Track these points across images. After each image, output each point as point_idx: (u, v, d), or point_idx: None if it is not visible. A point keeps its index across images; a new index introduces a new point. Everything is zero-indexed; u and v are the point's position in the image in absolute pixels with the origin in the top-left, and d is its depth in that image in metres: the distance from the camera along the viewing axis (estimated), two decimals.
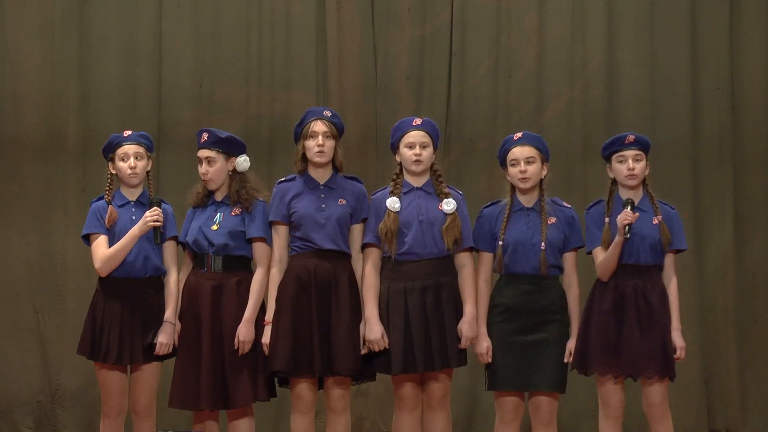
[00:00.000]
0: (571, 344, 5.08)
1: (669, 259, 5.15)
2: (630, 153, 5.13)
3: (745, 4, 7.26)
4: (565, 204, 5.23)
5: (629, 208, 5.03)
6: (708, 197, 7.15)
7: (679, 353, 5.10)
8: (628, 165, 5.12)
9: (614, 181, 5.18)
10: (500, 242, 5.11)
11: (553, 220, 5.13)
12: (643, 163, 5.15)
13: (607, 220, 5.11)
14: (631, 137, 5.15)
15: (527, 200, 5.16)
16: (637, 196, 5.15)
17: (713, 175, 7.20)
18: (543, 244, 5.06)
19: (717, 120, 7.22)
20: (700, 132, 7.22)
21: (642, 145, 5.15)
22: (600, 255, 5.11)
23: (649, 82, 7.23)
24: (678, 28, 7.25)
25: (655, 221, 5.12)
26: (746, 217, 7.22)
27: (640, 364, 5.03)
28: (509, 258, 5.10)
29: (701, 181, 7.20)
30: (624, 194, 5.14)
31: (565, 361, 5.08)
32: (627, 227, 5.00)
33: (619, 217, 5.03)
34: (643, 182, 5.18)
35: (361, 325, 5.08)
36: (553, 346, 5.06)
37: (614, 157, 5.16)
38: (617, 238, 5.02)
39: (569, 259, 5.15)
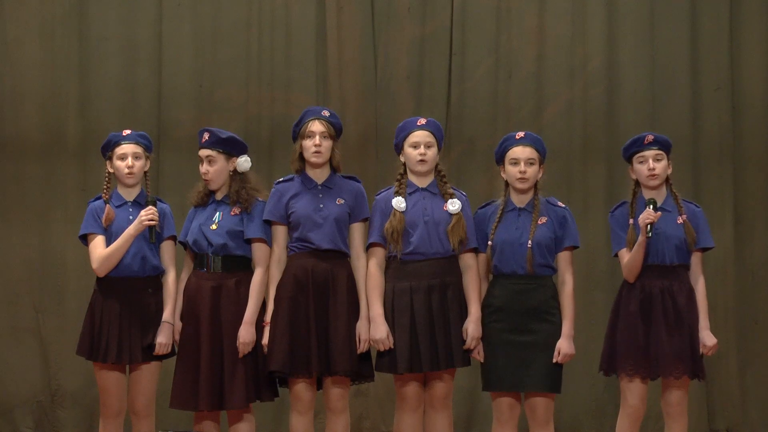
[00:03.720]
0: (560, 344, 5.04)
1: (695, 258, 5.17)
2: (650, 153, 5.13)
3: (745, 4, 7.25)
4: (560, 204, 5.21)
5: (651, 207, 5.03)
6: (708, 197, 7.13)
7: (710, 351, 5.09)
8: (649, 165, 5.12)
9: (637, 183, 5.18)
10: (489, 243, 5.11)
11: (543, 219, 5.10)
12: (664, 163, 5.15)
13: (631, 221, 5.11)
14: (650, 137, 5.15)
15: (521, 200, 5.15)
16: (660, 196, 5.15)
17: (713, 175, 7.19)
18: (530, 242, 5.05)
19: (717, 120, 7.21)
20: (700, 132, 7.21)
21: (662, 145, 5.15)
22: (626, 256, 5.10)
23: (649, 82, 7.22)
24: (678, 28, 7.24)
25: (680, 221, 5.12)
26: (746, 217, 7.21)
27: (669, 365, 5.02)
28: (497, 258, 5.09)
29: (701, 181, 7.19)
30: (647, 195, 5.13)
31: (554, 361, 5.03)
32: (649, 226, 4.99)
33: (641, 216, 5.02)
34: (667, 181, 5.19)
35: (359, 324, 5.08)
36: (545, 346, 5.03)
37: (635, 158, 5.16)
38: (640, 238, 5.02)
39: (563, 258, 5.13)
